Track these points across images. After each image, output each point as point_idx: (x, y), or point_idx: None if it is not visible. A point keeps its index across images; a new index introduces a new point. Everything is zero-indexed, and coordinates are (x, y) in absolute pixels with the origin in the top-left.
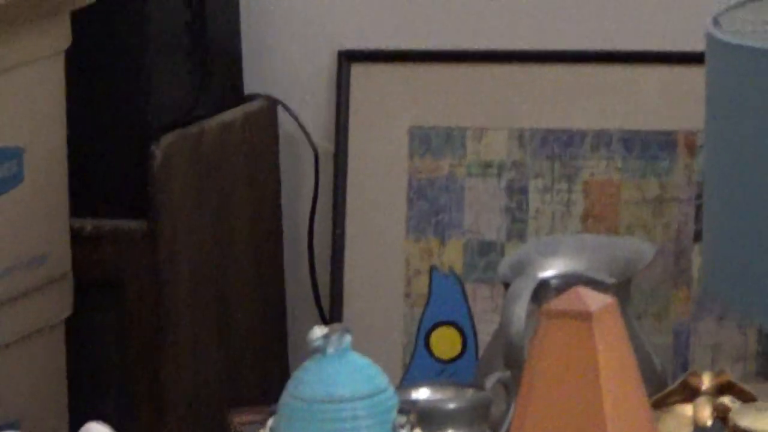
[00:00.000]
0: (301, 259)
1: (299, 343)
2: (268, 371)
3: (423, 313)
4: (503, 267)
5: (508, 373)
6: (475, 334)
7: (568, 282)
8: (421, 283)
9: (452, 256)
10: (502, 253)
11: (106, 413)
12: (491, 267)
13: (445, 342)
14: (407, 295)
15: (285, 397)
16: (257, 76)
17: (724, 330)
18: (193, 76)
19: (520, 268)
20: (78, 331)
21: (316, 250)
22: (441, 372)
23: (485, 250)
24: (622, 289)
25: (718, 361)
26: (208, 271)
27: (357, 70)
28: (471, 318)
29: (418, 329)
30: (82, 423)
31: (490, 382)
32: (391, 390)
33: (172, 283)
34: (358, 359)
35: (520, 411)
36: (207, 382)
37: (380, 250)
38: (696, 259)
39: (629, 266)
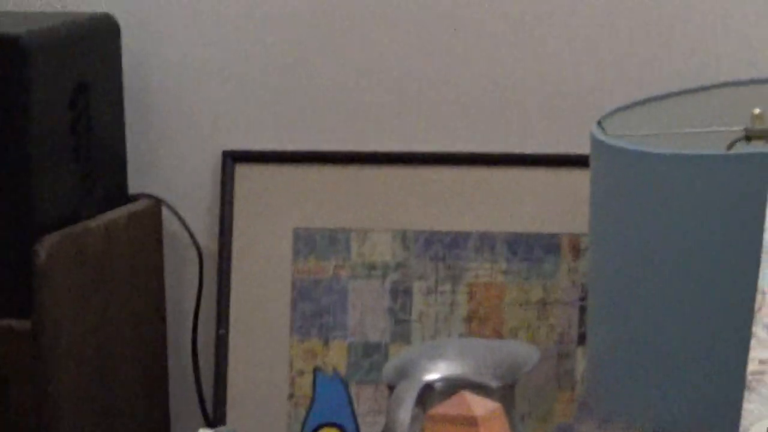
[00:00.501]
0: (184, 359)
1: None
2: None
3: (307, 415)
4: (388, 370)
5: None
6: None
7: (452, 385)
8: (305, 384)
9: (336, 357)
10: (386, 355)
11: None
12: (375, 368)
13: None
14: (291, 396)
15: None
16: (142, 176)
17: None
18: (77, 176)
19: (405, 371)
20: None
21: (200, 351)
22: None
23: (369, 352)
24: (506, 392)
25: None
26: (92, 371)
27: (241, 171)
28: (355, 419)
29: (302, 431)
30: None
31: None
32: None
33: (56, 384)
34: None
35: None
36: None
37: (264, 351)
38: (580, 362)
39: (514, 369)
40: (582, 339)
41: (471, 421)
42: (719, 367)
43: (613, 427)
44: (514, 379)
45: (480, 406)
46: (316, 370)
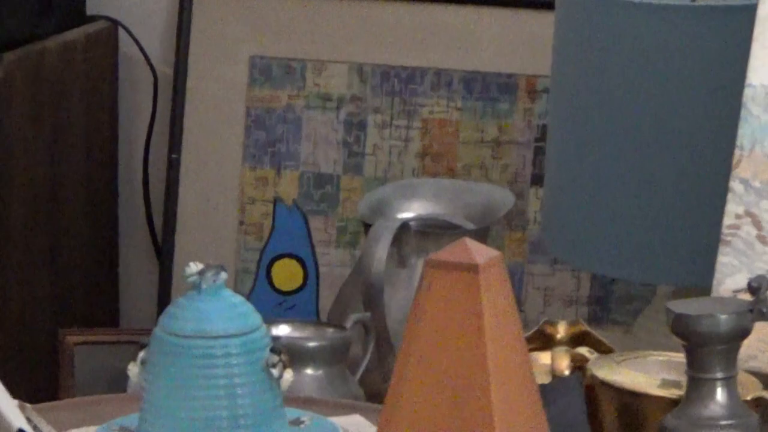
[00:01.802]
0: (135, 183)
1: (130, 268)
2: (98, 296)
3: (265, 245)
4: (362, 207)
5: (367, 314)
6: (317, 268)
7: (428, 225)
8: (256, 212)
9: (288, 186)
10: (338, 186)
11: None
12: (326, 199)
13: (287, 274)
14: (241, 223)
15: (158, 331)
16: None
17: (558, 274)
18: None
19: (380, 210)
20: None
21: (151, 175)
22: (281, 303)
23: (321, 183)
24: (481, 235)
25: (549, 304)
26: (42, 190)
27: None
28: (313, 251)
29: (260, 260)
30: None
31: (349, 321)
32: (264, 329)
33: (5, 203)
34: (231, 297)
35: (402, 358)
36: (38, 304)
37: (216, 178)
38: (532, 202)
39: (488, 213)
40: (535, 179)
41: (472, 269)
42: (677, 219)
43: (563, 268)
44: (488, 223)
45: (481, 253)
46: (276, 201)
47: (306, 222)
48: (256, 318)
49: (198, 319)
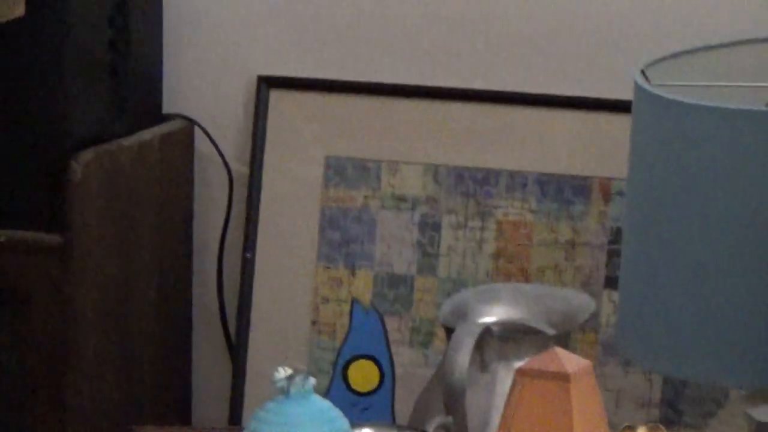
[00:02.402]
0: (209, 281)
1: (203, 366)
2: (170, 392)
3: (342, 346)
4: (444, 311)
5: (449, 419)
6: (392, 369)
7: (510, 330)
8: (329, 312)
9: (362, 286)
10: (412, 287)
11: (7, 423)
12: (400, 300)
13: (363, 375)
14: (314, 323)
15: None
16: (176, 97)
17: (630, 376)
18: (113, 94)
19: (461, 314)
20: None
21: (226, 274)
22: (357, 404)
23: (395, 283)
24: (561, 340)
25: (622, 407)
26: (116, 288)
27: (275, 96)
28: (389, 353)
29: (336, 361)
30: None
31: (431, 426)
32: None
33: (80, 299)
34: (319, 402)
35: None
36: (109, 400)
37: (290, 277)
38: (605, 305)
39: (568, 318)
40: (608, 282)
41: (563, 377)
42: (752, 322)
43: (635, 370)
44: (570, 329)
45: (572, 362)
46: (353, 302)
47: (383, 323)
48: (344, 423)
49: (286, 424)
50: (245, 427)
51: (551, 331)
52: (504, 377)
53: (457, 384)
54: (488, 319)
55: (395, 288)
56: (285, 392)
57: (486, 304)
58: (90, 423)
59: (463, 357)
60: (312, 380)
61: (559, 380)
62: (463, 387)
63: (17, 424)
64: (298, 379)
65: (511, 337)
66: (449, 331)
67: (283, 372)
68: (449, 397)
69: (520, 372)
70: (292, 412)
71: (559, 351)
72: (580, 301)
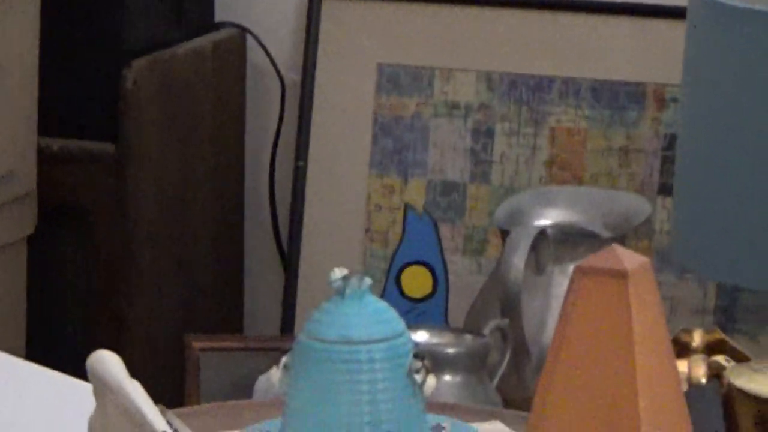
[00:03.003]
0: (261, 189)
1: (256, 275)
2: (224, 302)
3: (395, 252)
4: (499, 214)
5: (506, 321)
6: (446, 276)
7: (565, 233)
8: (382, 220)
9: (414, 194)
10: (465, 194)
11: (66, 334)
12: (453, 207)
13: (416, 281)
14: (367, 231)
15: (301, 337)
16: (229, 5)
17: (684, 283)
18: (165, 2)
19: (517, 217)
20: (41, 252)
21: (278, 182)
22: (410, 310)
23: (448, 191)
24: (618, 243)
25: (676, 314)
26: (171, 196)
27: (328, 5)
28: (443, 259)
29: (390, 267)
30: (40, 342)
31: (487, 328)
32: (407, 335)
33: (136, 207)
34: (375, 303)
35: (550, 365)
36: (165, 309)
37: (342, 185)
38: (659, 212)
39: (625, 221)
40: (662, 189)
41: (621, 275)
42: None
43: (690, 277)
44: (625, 231)
45: (630, 259)
46: (407, 208)
47: (436, 230)
48: (399, 324)
49: (342, 324)
50: (301, 330)
51: (607, 234)
52: (559, 280)
53: (512, 286)
54: (543, 222)
55: (448, 195)
56: (341, 293)
57: (541, 207)
58: (147, 332)
59: (519, 259)
60: (368, 280)
61: (618, 277)
62: (519, 289)
63: (78, 334)
64: (354, 279)
65: (566, 240)
66: (504, 234)
67: (339, 272)
68: (505, 299)
69: (577, 269)
70: (347, 313)
71: (617, 248)
72: (635, 204)
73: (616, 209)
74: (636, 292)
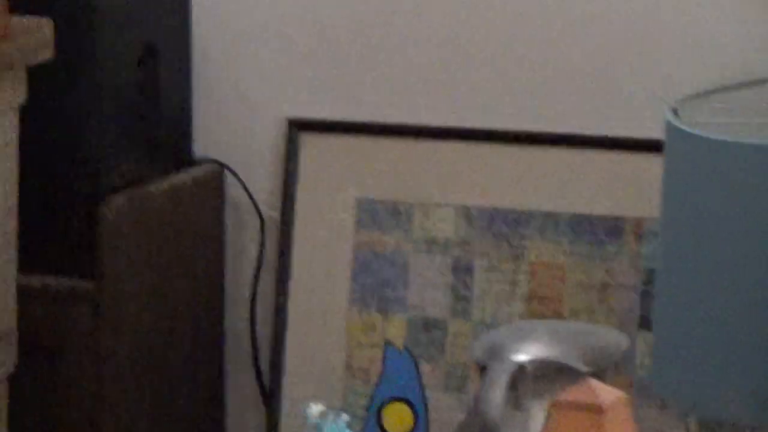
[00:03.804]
0: (242, 326)
1: (238, 413)
2: None
3: (376, 389)
4: (477, 349)
5: None
6: (426, 412)
7: (544, 367)
8: (363, 357)
9: (395, 331)
10: (446, 331)
11: None
12: (434, 344)
13: (397, 418)
14: (348, 367)
15: None
16: (206, 141)
17: (665, 417)
18: (143, 138)
19: (495, 352)
20: (20, 389)
21: (259, 317)
22: None
23: (429, 327)
24: (596, 378)
25: None
26: (149, 337)
27: (306, 139)
28: (423, 395)
29: (370, 404)
30: None
31: None
32: None
33: (113, 349)
34: None
35: None
36: None
37: (323, 322)
38: (639, 346)
39: (604, 356)
40: (643, 323)
41: (597, 409)
42: None
43: (670, 412)
44: (605, 366)
45: (606, 393)
46: (386, 344)
47: (416, 366)
48: None
49: None
50: None
51: (585, 369)
52: (538, 415)
53: (491, 422)
54: (522, 357)
55: (429, 332)
56: (318, 430)
57: (519, 342)
58: None
59: (497, 395)
60: (345, 416)
61: (593, 412)
62: (498, 425)
63: None
64: (330, 415)
65: (545, 375)
66: (483, 368)
67: (315, 409)
68: None
69: (554, 404)
70: None
71: (593, 383)
72: (613, 339)
73: (595, 344)
74: (612, 426)
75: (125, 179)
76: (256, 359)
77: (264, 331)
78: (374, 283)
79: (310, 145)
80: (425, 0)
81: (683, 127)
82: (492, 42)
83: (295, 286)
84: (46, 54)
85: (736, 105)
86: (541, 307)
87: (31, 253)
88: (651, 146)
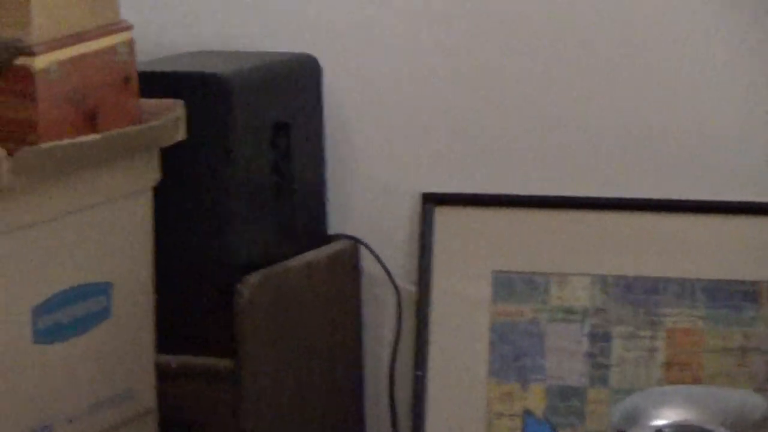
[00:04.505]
0: (381, 400)
1: None
2: None
3: None
4: (616, 415)
5: None
6: None
7: None
8: (503, 427)
9: (534, 400)
10: (584, 399)
11: None
12: (573, 412)
13: None
14: None
15: None
16: (341, 216)
17: None
18: (277, 216)
19: (633, 418)
20: None
21: (397, 391)
22: None
23: (567, 396)
24: None
25: None
26: (287, 408)
27: (440, 213)
28: None
29: None
30: None
31: None
32: None
33: (253, 423)
34: None
35: None
36: None
37: (462, 393)
38: None
39: (742, 419)
40: None
41: None
42: None
43: None
44: (744, 428)
45: None
46: (525, 414)
47: None
48: None
49: None
50: None
51: None
52: None
53: None
54: (660, 422)
55: (567, 400)
56: None
57: (657, 407)
58: None
59: None
60: None
61: None
62: None
63: None
64: None
65: None
66: None
67: None
68: None
69: None
70: None
71: None
72: (752, 402)
73: (733, 407)
74: None
75: (261, 257)
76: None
77: (403, 403)
78: (512, 353)
79: (445, 218)
80: (557, 76)
81: None
82: (625, 113)
83: (433, 358)
84: (179, 135)
85: None
86: (680, 373)
87: (169, 332)
88: None
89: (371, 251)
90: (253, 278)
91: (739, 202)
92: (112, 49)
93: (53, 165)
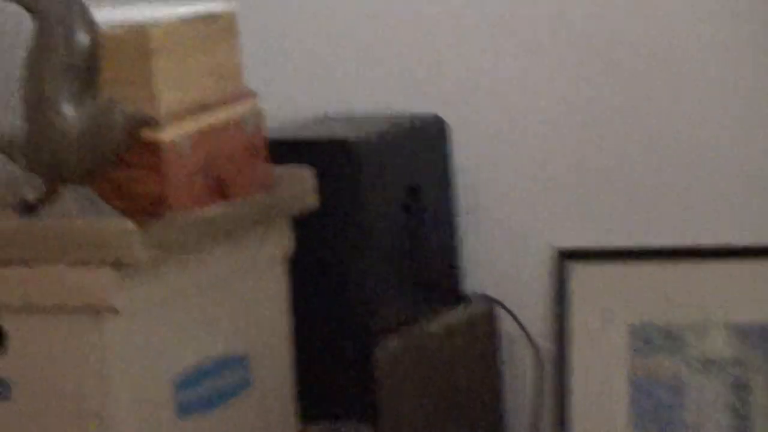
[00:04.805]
0: None
1: None
2: None
3: None
4: None
5: None
6: None
7: None
8: None
9: None
10: None
11: None
12: None
13: None
14: None
15: None
16: (475, 275)
17: None
18: (412, 278)
19: None
20: None
21: None
22: None
23: None
24: None
25: None
26: None
27: (576, 269)
28: None
29: None
30: None
31: None
32: None
33: None
34: None
35: None
36: None
37: None
38: None
39: None
40: None
41: None
42: None
43: None
44: None
45: None
46: None
47: None
48: None
49: None
50: None
51: None
52: None
53: None
54: None
55: None
56: None
57: None
58: None
59: None
60: None
61: None
62: None
63: None
64: None
65: None
66: None
67: None
68: None
69: None
70: None
71: None
72: None
73: None
74: None
75: (397, 320)
76: None
77: None
78: (653, 406)
79: (580, 273)
80: (692, 124)
81: None
82: (750, 157)
83: (574, 415)
84: (310, 203)
85: None
86: None
87: (310, 400)
88: None
89: (509, 311)
90: (391, 342)
91: None
92: (238, 118)
93: (185, 237)
